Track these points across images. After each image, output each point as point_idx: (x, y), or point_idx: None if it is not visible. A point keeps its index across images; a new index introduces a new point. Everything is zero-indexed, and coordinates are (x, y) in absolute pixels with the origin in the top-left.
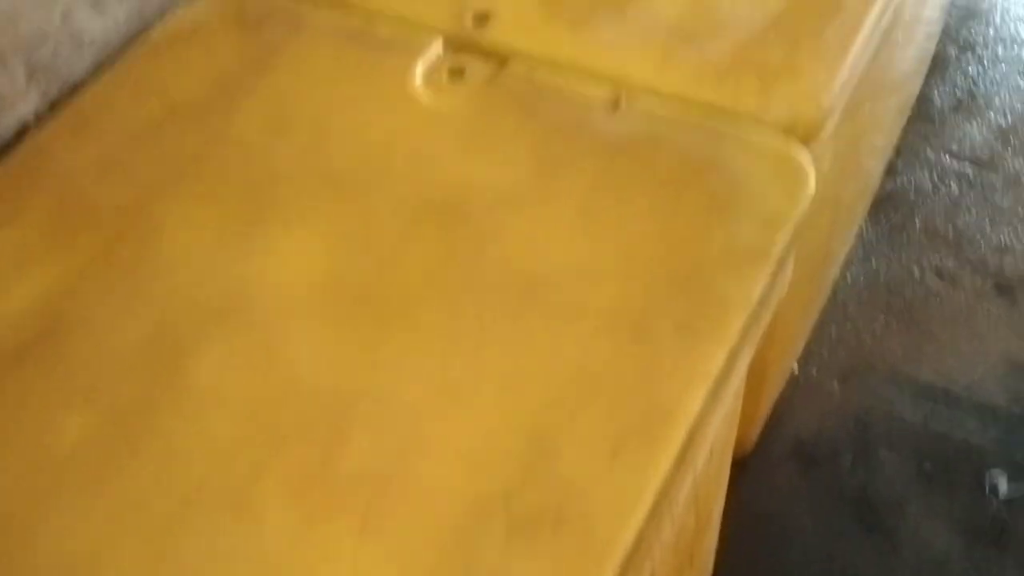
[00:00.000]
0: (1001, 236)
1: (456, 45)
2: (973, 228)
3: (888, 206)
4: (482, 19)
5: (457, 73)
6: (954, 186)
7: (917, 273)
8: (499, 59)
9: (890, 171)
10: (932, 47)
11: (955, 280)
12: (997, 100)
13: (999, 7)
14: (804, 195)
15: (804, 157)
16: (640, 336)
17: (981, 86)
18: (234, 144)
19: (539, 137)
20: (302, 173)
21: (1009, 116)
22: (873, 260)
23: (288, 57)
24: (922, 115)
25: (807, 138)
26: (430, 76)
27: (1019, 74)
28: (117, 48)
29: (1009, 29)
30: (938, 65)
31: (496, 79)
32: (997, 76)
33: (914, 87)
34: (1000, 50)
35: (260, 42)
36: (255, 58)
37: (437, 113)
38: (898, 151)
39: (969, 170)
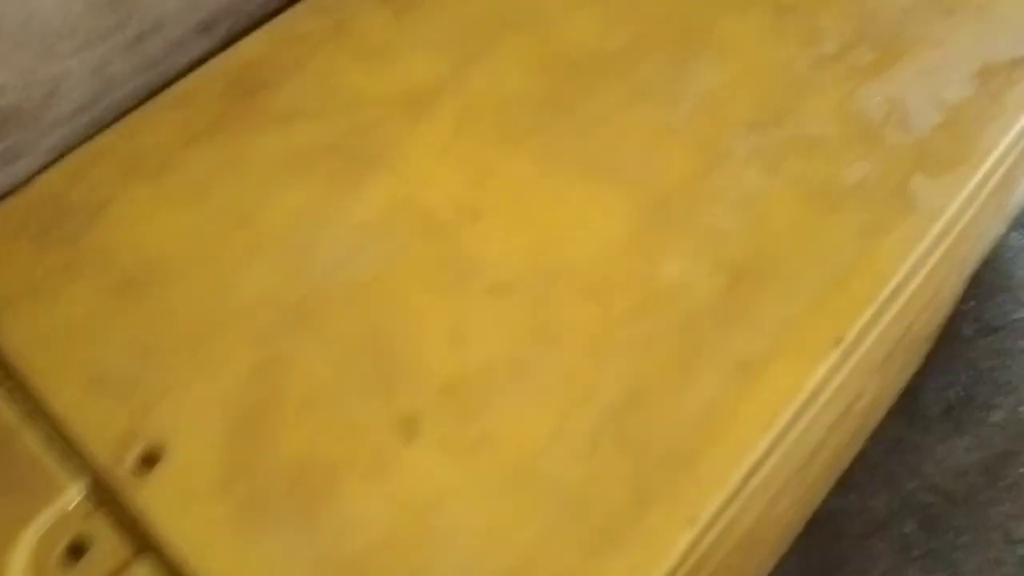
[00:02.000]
0: None
1: (103, 492)
2: None
3: (826, 532)
4: (150, 459)
5: (76, 553)
6: (910, 524)
7: None
8: (138, 541)
9: (843, 484)
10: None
11: None
12: (998, 413)
13: None
14: None
15: None
16: None
17: (985, 389)
18: None
19: None
20: None
21: (1007, 439)
22: None
23: None
24: (904, 413)
25: None
26: (45, 548)
27: None
28: None
29: None
30: (942, 346)
31: None
32: (1009, 378)
33: (902, 379)
34: None
35: None
36: None
37: None
38: (864, 461)
39: (936, 506)
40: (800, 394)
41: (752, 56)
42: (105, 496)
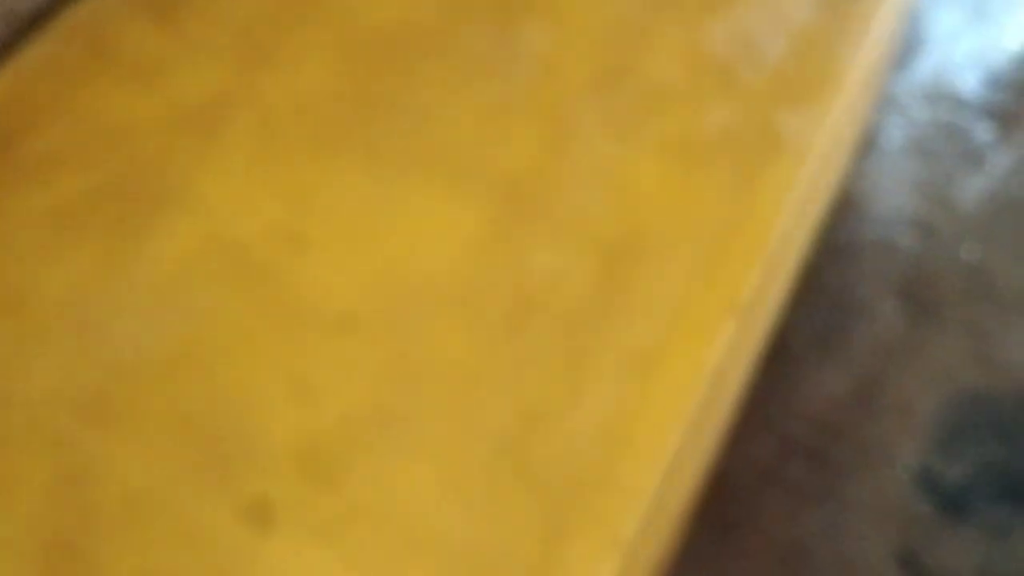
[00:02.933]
0: (846, 550)
1: None
2: (816, 539)
3: (724, 492)
4: None
5: None
6: (798, 469)
7: None
8: None
9: (730, 438)
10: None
11: None
12: (858, 337)
13: (876, 196)
14: None
15: None
16: None
17: (841, 314)
18: None
19: None
20: None
21: (870, 361)
22: None
23: None
24: (774, 354)
25: None
26: None
27: (893, 294)
28: None
29: (885, 231)
30: (801, 279)
31: None
32: (860, 298)
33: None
34: (872, 260)
35: None
36: None
37: None
38: (742, 411)
39: (819, 442)
40: (703, 376)
41: (581, 5)
42: None
